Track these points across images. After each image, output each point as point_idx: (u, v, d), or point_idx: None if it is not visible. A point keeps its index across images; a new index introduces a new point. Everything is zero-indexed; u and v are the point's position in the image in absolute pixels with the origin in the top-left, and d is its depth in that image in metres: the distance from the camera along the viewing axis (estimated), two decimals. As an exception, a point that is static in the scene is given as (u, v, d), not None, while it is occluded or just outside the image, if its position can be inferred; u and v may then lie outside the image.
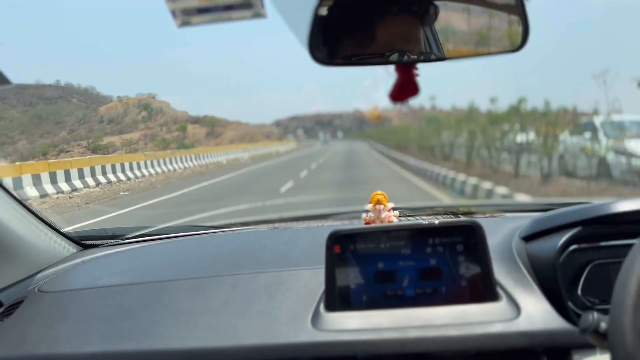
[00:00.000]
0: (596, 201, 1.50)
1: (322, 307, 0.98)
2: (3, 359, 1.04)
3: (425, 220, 1.40)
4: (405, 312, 0.94)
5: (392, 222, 1.11)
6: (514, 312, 0.94)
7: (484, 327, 0.91)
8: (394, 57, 0.89)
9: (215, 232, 1.55)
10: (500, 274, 1.03)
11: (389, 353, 0.91)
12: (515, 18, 0.88)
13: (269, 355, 0.94)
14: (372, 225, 1.09)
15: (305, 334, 0.94)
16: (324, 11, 0.82)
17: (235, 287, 1.09)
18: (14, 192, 1.28)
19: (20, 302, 1.17)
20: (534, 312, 0.95)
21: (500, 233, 1.19)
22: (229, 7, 0.97)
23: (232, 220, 1.67)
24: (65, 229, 1.49)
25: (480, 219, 1.41)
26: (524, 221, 1.19)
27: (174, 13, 0.96)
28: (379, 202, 1.12)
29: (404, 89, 0.88)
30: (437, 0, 0.93)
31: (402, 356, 0.91)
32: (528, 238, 1.12)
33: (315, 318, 0.96)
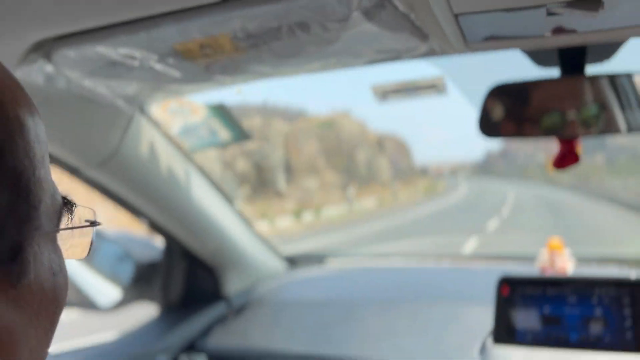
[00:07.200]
0: None
1: (489, 341, 1.04)
2: (231, 348, 1.30)
3: (596, 273, 1.40)
4: (568, 354, 0.97)
5: (565, 270, 1.16)
6: None
7: None
8: (552, 118, 0.93)
9: (401, 262, 1.77)
10: None
11: None
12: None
13: None
14: (540, 275, 1.18)
15: None
16: (493, 100, 0.95)
17: (415, 314, 1.22)
18: (249, 220, 1.68)
19: (245, 306, 1.44)
20: None
21: None
22: (418, 88, 1.22)
23: (418, 252, 1.86)
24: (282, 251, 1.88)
25: None
26: None
27: (375, 93, 1.25)
28: (554, 248, 1.17)
29: (566, 158, 0.97)
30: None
31: None
32: None
33: (483, 350, 1.04)
